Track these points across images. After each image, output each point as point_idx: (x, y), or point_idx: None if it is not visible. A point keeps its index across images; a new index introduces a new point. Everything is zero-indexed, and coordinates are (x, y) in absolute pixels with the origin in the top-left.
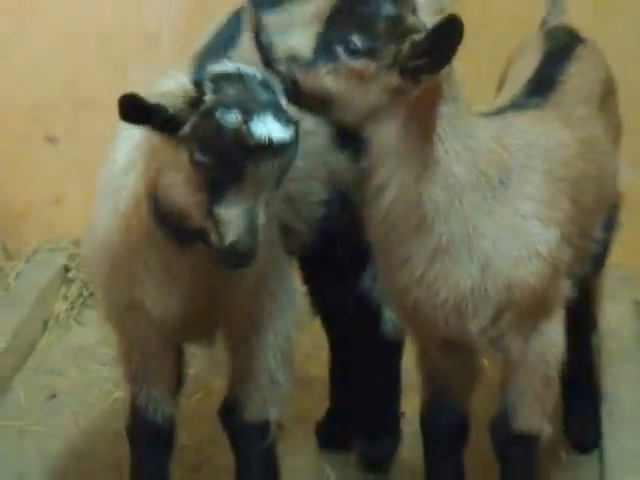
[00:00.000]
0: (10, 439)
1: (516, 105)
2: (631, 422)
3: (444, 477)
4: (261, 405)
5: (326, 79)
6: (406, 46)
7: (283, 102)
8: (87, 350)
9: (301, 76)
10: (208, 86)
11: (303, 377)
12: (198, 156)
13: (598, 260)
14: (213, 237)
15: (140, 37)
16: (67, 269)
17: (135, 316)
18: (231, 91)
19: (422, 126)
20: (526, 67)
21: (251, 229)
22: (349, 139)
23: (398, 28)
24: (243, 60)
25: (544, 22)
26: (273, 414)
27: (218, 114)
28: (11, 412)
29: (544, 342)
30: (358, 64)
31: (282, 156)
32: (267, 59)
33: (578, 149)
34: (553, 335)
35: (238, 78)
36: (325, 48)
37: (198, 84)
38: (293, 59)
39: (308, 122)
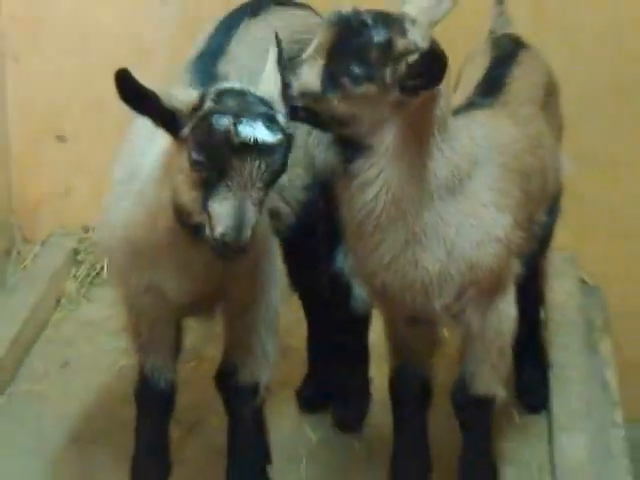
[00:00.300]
0: (29, 402)
1: (472, 104)
2: (575, 385)
3: (410, 435)
4: (253, 370)
5: (337, 106)
6: (402, 67)
7: (279, 117)
8: (95, 324)
9: (315, 106)
10: (210, 97)
11: (285, 347)
12: (194, 155)
13: (543, 242)
14: (207, 230)
15: (139, 49)
16: (77, 252)
17: (151, 298)
18: (229, 102)
19: (418, 130)
20: (476, 71)
21: (239, 224)
22: (349, 147)
23: (390, 52)
24: (232, 65)
25: (491, 32)
26: (263, 378)
27: (212, 118)
28: (30, 378)
29: (499, 316)
30: (362, 89)
31: (267, 157)
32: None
33: (526, 144)
34: (507, 309)
35: (239, 93)
36: (331, 80)
37: (202, 95)
38: (306, 94)
39: None
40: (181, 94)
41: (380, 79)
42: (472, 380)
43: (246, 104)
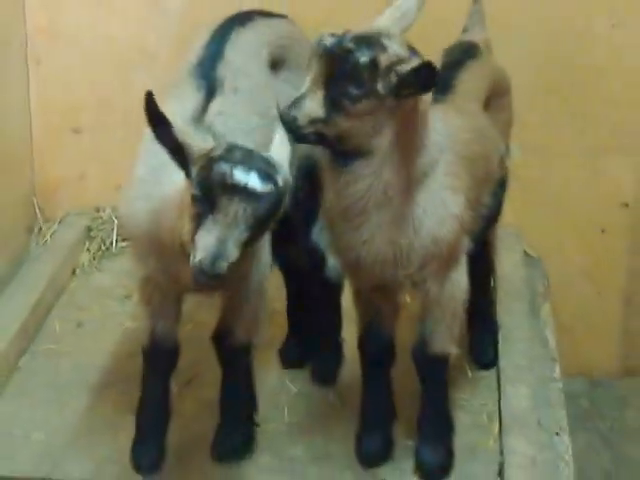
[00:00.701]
0: (48, 358)
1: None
2: (520, 344)
3: (377, 388)
4: (246, 332)
5: (342, 125)
6: (394, 79)
7: (277, 177)
8: (105, 290)
9: (324, 129)
10: (220, 147)
11: (270, 311)
12: (194, 190)
13: (490, 219)
14: (190, 257)
15: (144, 52)
16: (90, 229)
17: (167, 279)
18: (235, 154)
19: (408, 126)
20: None
21: (216, 255)
22: (349, 154)
23: (377, 68)
24: (228, 68)
25: (464, 30)
26: (254, 338)
27: (216, 162)
28: (49, 338)
29: (453, 284)
30: (361, 106)
31: (254, 202)
32: (294, 131)
33: (472, 134)
34: (460, 278)
35: (247, 150)
36: (333, 105)
37: (215, 146)
38: (314, 121)
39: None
40: (197, 138)
41: (374, 93)
42: (430, 339)
43: (249, 157)
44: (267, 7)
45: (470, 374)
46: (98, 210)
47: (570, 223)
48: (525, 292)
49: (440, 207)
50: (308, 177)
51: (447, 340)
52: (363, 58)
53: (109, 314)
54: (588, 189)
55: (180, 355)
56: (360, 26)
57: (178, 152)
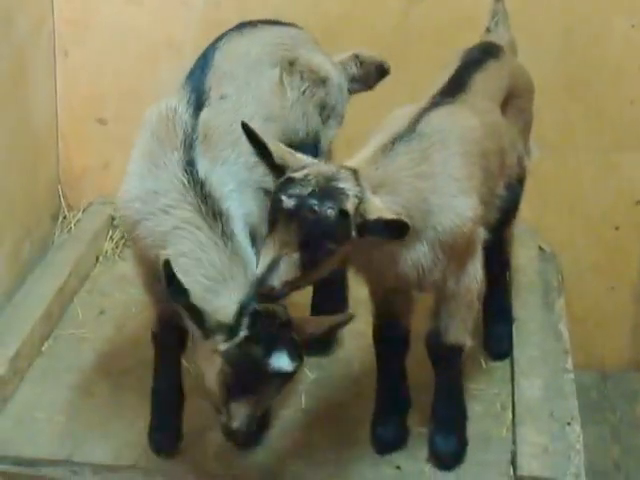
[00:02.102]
0: (71, 343)
1: (435, 104)
2: (534, 336)
3: (391, 377)
4: None
5: (318, 274)
6: (358, 219)
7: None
8: (127, 278)
9: (299, 284)
10: (245, 322)
11: (291, 303)
12: (227, 368)
13: (506, 213)
14: (222, 417)
15: (170, 44)
16: (113, 218)
17: (159, 286)
18: (261, 328)
19: None
20: (444, 75)
21: (249, 424)
22: None
23: (346, 218)
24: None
25: (487, 29)
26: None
27: (247, 346)
28: (72, 323)
29: (469, 276)
30: (337, 254)
31: (285, 380)
32: (272, 299)
33: (484, 131)
34: (476, 272)
35: (270, 317)
36: (310, 263)
37: (238, 318)
38: (290, 282)
39: (268, 109)
40: (216, 301)
41: (349, 239)
42: (444, 331)
43: (276, 331)
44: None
45: (484, 365)
46: None
47: (584, 220)
48: (539, 286)
49: (454, 215)
50: None
51: (462, 331)
52: (331, 212)
53: (131, 301)
54: (602, 186)
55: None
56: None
57: (198, 322)
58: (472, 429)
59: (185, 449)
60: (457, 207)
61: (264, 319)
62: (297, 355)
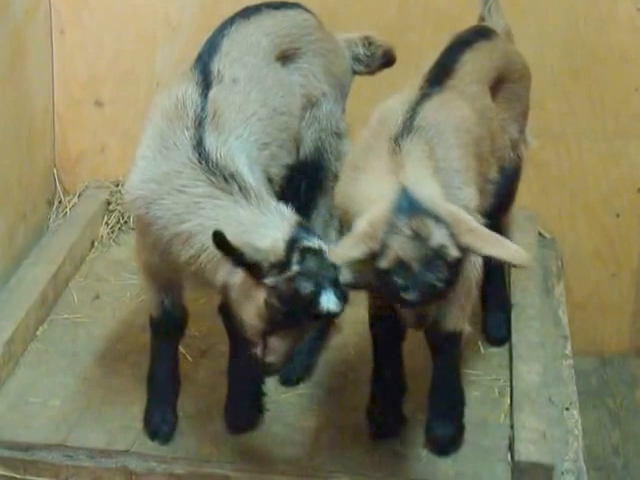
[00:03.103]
0: (66, 328)
1: (425, 95)
2: (533, 322)
3: (387, 363)
4: None
5: None
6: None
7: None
8: (122, 263)
9: None
10: (295, 257)
11: None
12: (274, 301)
13: (502, 199)
14: (258, 350)
15: (167, 25)
16: (109, 202)
17: (169, 268)
18: (311, 264)
19: None
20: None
21: (287, 359)
22: None
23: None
24: (225, 60)
25: (480, 18)
26: None
27: (297, 283)
28: (67, 308)
29: (469, 266)
30: None
31: (329, 321)
32: None
33: (475, 118)
34: (475, 260)
35: (318, 254)
36: None
37: (288, 253)
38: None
39: (279, 103)
40: (264, 242)
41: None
42: (443, 318)
43: (322, 267)
44: None
45: (483, 351)
46: (117, 184)
47: (585, 206)
48: (539, 272)
49: (461, 207)
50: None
51: (459, 318)
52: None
53: (126, 286)
54: (604, 173)
55: (193, 326)
56: None
57: (253, 269)
58: (470, 415)
59: (181, 435)
60: (462, 200)
61: (313, 256)
62: (343, 296)
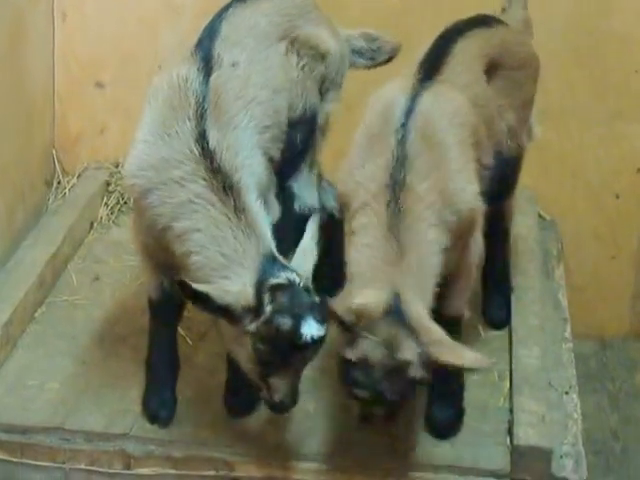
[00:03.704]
0: (65, 310)
1: (417, 93)
2: (533, 305)
3: None
4: None
5: None
6: None
7: (317, 300)
8: (122, 244)
9: None
10: (267, 298)
11: None
12: (259, 346)
13: (502, 184)
14: (264, 393)
15: (169, 7)
16: (108, 184)
17: (167, 256)
18: (283, 300)
19: None
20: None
21: (293, 394)
22: None
23: None
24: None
25: (503, 9)
26: None
27: (276, 322)
28: (66, 290)
29: (470, 249)
30: None
31: (318, 345)
32: None
33: (468, 107)
34: (476, 243)
35: (288, 287)
36: None
37: (258, 296)
38: None
39: (277, 81)
40: (233, 288)
41: None
42: (443, 303)
43: (296, 298)
44: None
45: (483, 334)
46: (117, 165)
47: (585, 187)
48: (539, 254)
49: (462, 204)
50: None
51: (460, 303)
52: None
53: (125, 268)
54: (604, 155)
55: (192, 311)
56: None
57: (226, 313)
58: (469, 399)
59: (179, 418)
60: (468, 201)
61: (284, 291)
62: (323, 317)
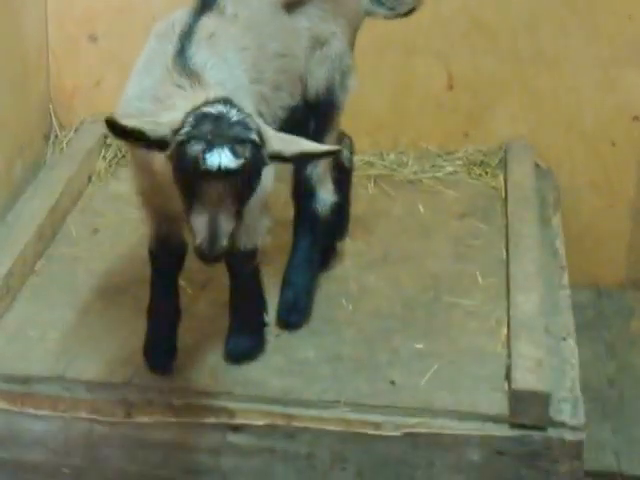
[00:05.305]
0: (65, 263)
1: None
2: (530, 252)
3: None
4: (249, 237)
5: None
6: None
7: (254, 137)
8: (121, 197)
9: None
10: (189, 122)
11: (283, 219)
12: (175, 174)
13: None
14: (191, 237)
15: None
16: (106, 137)
17: (163, 199)
18: (204, 127)
19: None
20: None
21: (212, 237)
22: None
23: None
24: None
25: None
26: (259, 242)
27: (186, 144)
28: (65, 243)
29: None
30: None
31: (231, 180)
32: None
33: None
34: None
35: (216, 118)
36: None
37: (184, 119)
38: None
39: (280, 46)
40: (168, 117)
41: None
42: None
43: (219, 128)
44: None
45: (481, 281)
46: None
47: (581, 135)
48: (535, 203)
49: None
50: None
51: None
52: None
53: (125, 220)
54: (600, 102)
55: (193, 260)
56: None
57: (155, 145)
58: (467, 345)
59: (180, 367)
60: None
61: (209, 120)
62: (244, 151)
